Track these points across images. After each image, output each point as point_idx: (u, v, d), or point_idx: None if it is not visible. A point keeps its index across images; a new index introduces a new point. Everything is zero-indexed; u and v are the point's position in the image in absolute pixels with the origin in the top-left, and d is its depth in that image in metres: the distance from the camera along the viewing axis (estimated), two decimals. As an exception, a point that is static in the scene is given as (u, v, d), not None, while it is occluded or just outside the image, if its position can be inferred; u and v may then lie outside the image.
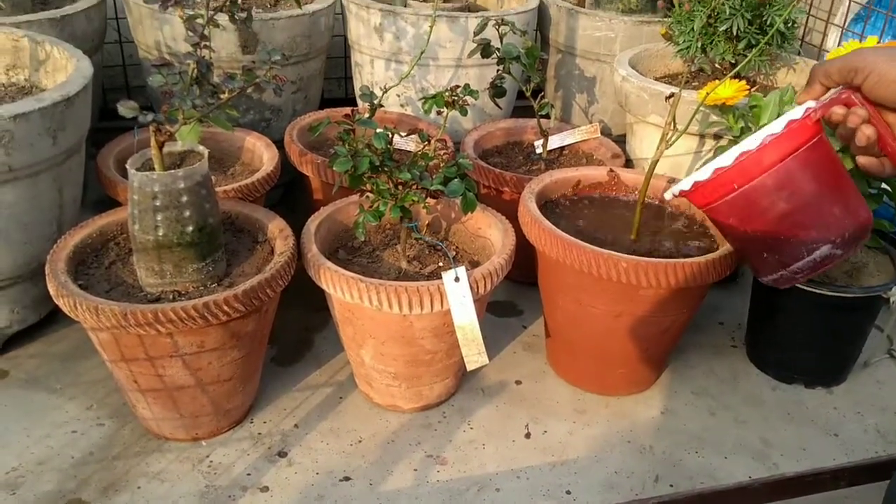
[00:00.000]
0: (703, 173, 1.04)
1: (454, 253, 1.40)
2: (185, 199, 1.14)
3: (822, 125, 0.98)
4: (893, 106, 0.86)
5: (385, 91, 1.52)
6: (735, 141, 1.40)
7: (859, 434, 1.41)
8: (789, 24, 1.65)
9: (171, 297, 1.19)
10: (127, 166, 1.14)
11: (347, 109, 1.37)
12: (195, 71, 1.10)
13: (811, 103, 0.96)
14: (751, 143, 1.00)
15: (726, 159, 1.02)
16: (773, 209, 1.03)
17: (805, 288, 1.38)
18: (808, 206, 1.02)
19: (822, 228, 1.03)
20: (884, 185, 1.37)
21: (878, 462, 1.28)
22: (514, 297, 1.71)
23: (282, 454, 1.28)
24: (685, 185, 1.08)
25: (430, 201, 1.33)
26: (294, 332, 1.56)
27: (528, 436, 1.36)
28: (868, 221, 1.05)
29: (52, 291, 1.16)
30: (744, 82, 1.41)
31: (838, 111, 0.90)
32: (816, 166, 1.02)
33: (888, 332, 1.62)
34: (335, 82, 2.41)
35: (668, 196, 1.14)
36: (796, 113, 0.98)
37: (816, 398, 1.49)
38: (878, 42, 1.31)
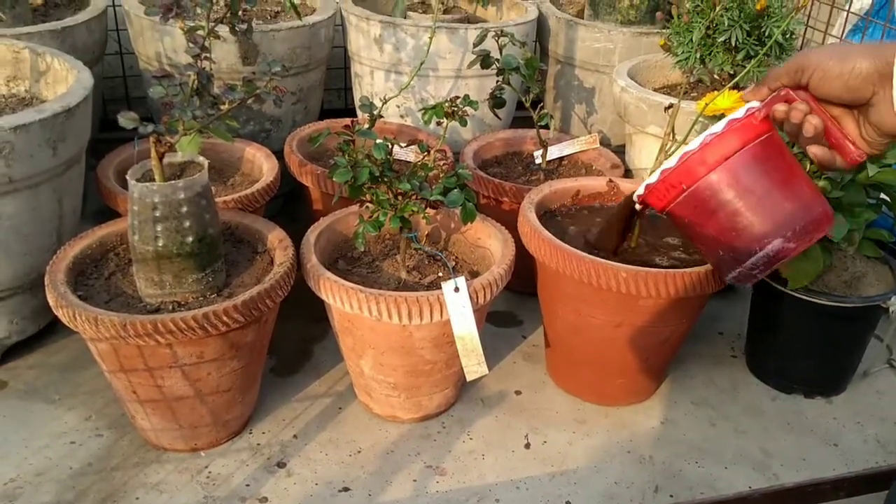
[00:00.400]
0: (653, 176, 1.06)
1: (454, 263, 1.41)
2: (184, 209, 1.15)
3: (773, 124, 0.99)
4: (839, 101, 0.88)
5: (385, 102, 1.53)
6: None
7: (859, 444, 1.40)
8: (787, 36, 1.65)
9: (170, 307, 1.19)
10: (127, 177, 1.15)
11: (347, 120, 1.37)
12: (195, 82, 1.10)
13: (755, 103, 0.98)
14: (693, 143, 1.02)
15: (672, 161, 1.04)
16: (722, 207, 1.04)
17: (804, 298, 1.38)
18: (757, 202, 1.03)
19: (772, 224, 1.03)
20: (882, 196, 1.38)
21: (878, 472, 1.28)
22: (513, 308, 1.71)
23: (281, 465, 1.28)
24: (640, 189, 1.10)
25: (430, 212, 1.33)
26: (293, 343, 1.55)
27: (527, 446, 1.35)
28: (823, 215, 1.05)
29: (51, 302, 1.16)
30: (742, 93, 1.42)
31: (780, 108, 0.92)
32: (763, 163, 1.02)
33: (888, 342, 1.62)
34: (335, 93, 2.42)
35: (635, 199, 1.17)
36: (738, 113, 0.99)
37: (816, 408, 1.49)
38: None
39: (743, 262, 1.06)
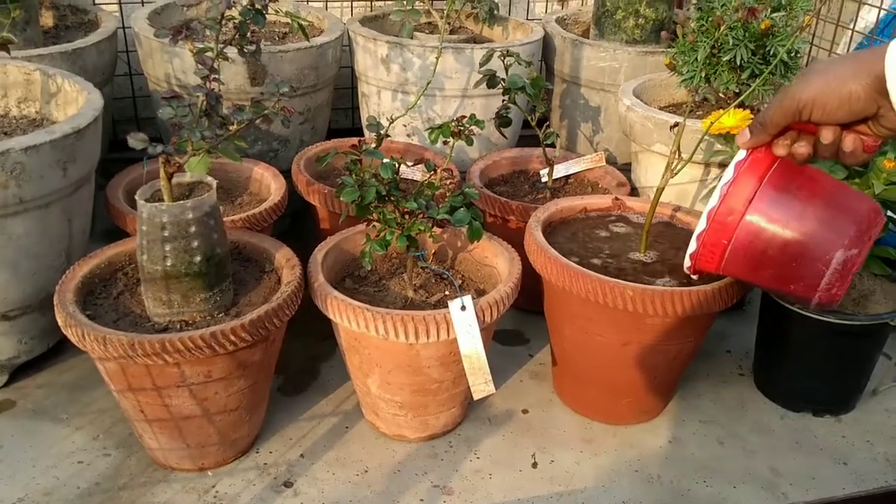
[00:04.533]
0: (691, 246, 1.06)
1: (460, 282, 1.41)
2: (193, 229, 1.15)
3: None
4: (848, 121, 0.89)
5: (392, 121, 1.54)
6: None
7: (869, 463, 1.40)
8: (792, 54, 1.66)
9: (178, 326, 1.19)
10: (136, 197, 1.16)
11: (354, 140, 1.38)
12: (204, 103, 1.12)
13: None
14: (713, 200, 1.01)
15: (701, 224, 1.03)
16: (770, 245, 1.04)
17: (812, 316, 1.37)
18: (799, 226, 1.02)
19: (824, 239, 1.03)
20: (889, 213, 1.38)
21: (889, 491, 1.27)
22: (520, 326, 1.71)
23: (287, 484, 1.28)
24: (686, 262, 1.10)
25: (437, 230, 1.34)
26: (300, 362, 1.56)
27: (534, 465, 1.35)
28: (870, 211, 1.05)
29: (60, 322, 1.16)
30: (748, 111, 1.42)
31: (801, 150, 0.93)
32: (786, 188, 1.03)
33: (897, 360, 1.62)
34: (342, 113, 2.43)
35: (686, 270, 1.19)
36: (740, 155, 1.00)
37: (825, 427, 1.48)
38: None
39: (816, 286, 1.05)
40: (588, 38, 2.15)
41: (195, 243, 1.16)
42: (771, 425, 1.48)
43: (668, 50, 1.84)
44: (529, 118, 1.68)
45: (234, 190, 1.65)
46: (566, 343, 1.43)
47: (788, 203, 1.02)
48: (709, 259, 1.09)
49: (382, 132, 1.46)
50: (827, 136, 0.90)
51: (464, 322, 1.21)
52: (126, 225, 1.45)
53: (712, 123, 1.35)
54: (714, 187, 1.50)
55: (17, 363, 1.43)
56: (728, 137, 1.46)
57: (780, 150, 0.96)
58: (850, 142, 0.89)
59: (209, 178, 1.22)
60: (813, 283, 1.05)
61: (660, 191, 1.34)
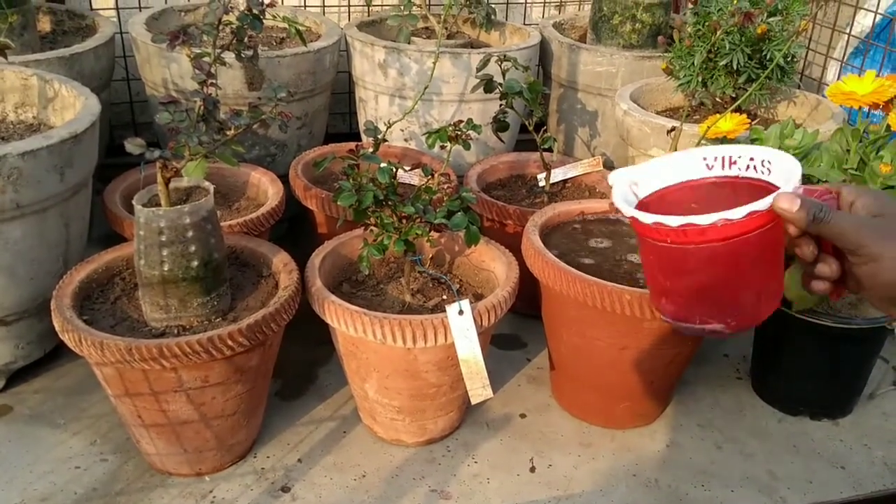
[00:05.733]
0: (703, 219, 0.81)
1: (458, 286, 1.41)
2: (190, 234, 1.15)
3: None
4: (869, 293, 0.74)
5: (389, 126, 1.54)
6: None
7: (866, 467, 1.40)
8: (789, 59, 1.67)
9: (175, 331, 1.19)
10: (133, 202, 1.16)
11: (352, 144, 1.38)
12: (202, 108, 1.12)
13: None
14: (736, 213, 0.79)
15: (707, 218, 0.81)
16: (692, 274, 0.85)
17: (809, 319, 1.38)
18: (722, 286, 0.86)
19: (720, 309, 0.87)
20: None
21: (887, 495, 1.27)
22: (518, 330, 1.71)
23: (285, 489, 1.28)
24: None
25: (434, 235, 1.34)
26: (298, 366, 1.56)
27: (532, 470, 1.35)
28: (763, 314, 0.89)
29: (57, 326, 1.16)
30: (744, 116, 1.43)
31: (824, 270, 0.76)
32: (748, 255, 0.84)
33: (894, 364, 1.62)
34: (340, 118, 2.43)
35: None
36: (761, 205, 0.79)
37: (822, 430, 1.48)
38: (877, 76, 1.32)
39: (681, 321, 0.88)
40: (585, 42, 2.16)
41: (192, 248, 1.16)
42: (768, 429, 1.48)
43: (665, 54, 1.85)
44: (527, 123, 1.68)
45: (231, 195, 1.65)
46: (564, 347, 1.43)
47: (735, 266, 0.84)
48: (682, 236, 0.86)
49: (380, 137, 1.46)
50: (808, 252, 0.75)
51: (461, 326, 1.21)
52: (123, 230, 1.45)
53: (709, 128, 1.35)
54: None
55: (13, 368, 1.43)
56: (725, 142, 1.46)
57: (805, 250, 0.76)
58: (821, 285, 0.76)
59: (206, 183, 1.22)
60: (681, 318, 0.89)
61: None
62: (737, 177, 0.85)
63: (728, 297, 0.84)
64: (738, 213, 0.77)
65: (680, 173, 0.87)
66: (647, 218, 0.79)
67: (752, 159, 0.84)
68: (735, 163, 0.85)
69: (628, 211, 0.80)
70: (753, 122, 1.67)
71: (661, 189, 0.87)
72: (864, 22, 2.16)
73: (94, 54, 1.76)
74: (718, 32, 1.57)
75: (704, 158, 0.86)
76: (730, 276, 0.83)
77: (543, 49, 2.15)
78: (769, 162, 0.83)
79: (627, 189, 0.85)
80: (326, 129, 2.05)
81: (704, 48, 1.62)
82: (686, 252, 0.80)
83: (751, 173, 0.85)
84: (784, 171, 0.81)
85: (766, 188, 0.82)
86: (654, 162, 0.87)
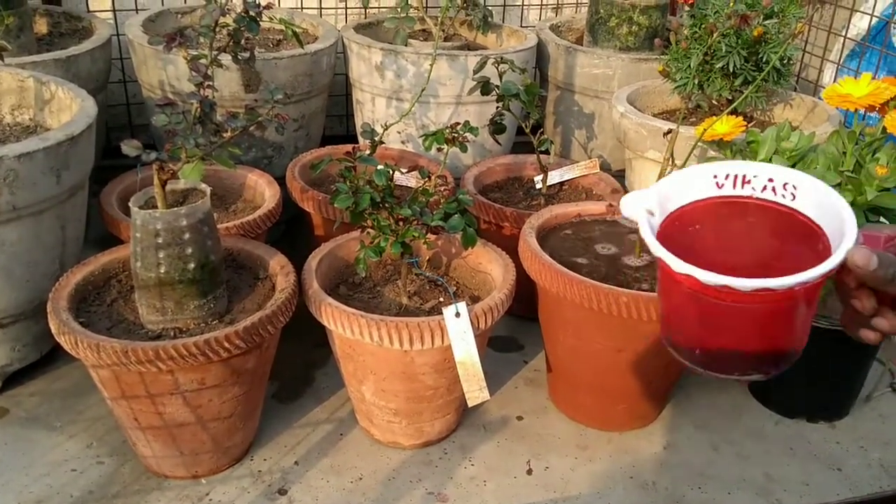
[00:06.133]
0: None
1: (455, 288, 1.41)
2: (187, 236, 1.15)
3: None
4: None
5: (386, 128, 1.54)
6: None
7: (863, 469, 1.40)
8: (785, 61, 1.67)
9: (172, 334, 1.19)
10: (130, 204, 1.15)
11: (349, 147, 1.38)
12: (198, 110, 1.12)
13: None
14: (812, 274, 0.70)
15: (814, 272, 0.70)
16: (735, 330, 0.78)
17: (805, 322, 1.37)
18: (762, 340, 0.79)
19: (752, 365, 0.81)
20: (882, 219, 1.38)
21: (883, 497, 1.28)
22: (515, 332, 1.71)
23: (282, 492, 1.27)
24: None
25: (431, 237, 1.34)
26: (295, 369, 1.55)
27: (529, 472, 1.35)
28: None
29: (53, 329, 1.16)
30: (741, 118, 1.43)
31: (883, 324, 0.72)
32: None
33: (890, 366, 1.62)
34: (336, 120, 2.43)
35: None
36: (829, 265, 0.69)
37: (819, 432, 1.48)
38: (873, 78, 1.32)
39: (717, 372, 0.80)
40: (582, 45, 2.16)
41: (189, 250, 1.16)
42: (765, 431, 1.48)
43: (662, 57, 1.85)
44: (523, 125, 1.68)
45: (228, 197, 1.65)
46: (561, 349, 1.43)
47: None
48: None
49: (377, 139, 1.46)
50: (869, 306, 0.70)
51: (458, 329, 1.21)
52: (120, 232, 1.45)
53: (705, 130, 1.35)
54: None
55: (9, 371, 1.43)
56: (721, 144, 1.47)
57: (866, 304, 0.71)
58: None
59: (203, 185, 1.22)
60: (713, 368, 0.80)
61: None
62: (750, 197, 0.76)
63: (776, 349, 0.78)
64: (812, 274, 0.67)
65: (689, 193, 0.78)
66: (712, 279, 0.67)
67: (770, 180, 0.75)
68: (749, 182, 0.76)
69: (683, 267, 0.68)
70: (750, 125, 1.67)
71: (672, 212, 0.77)
72: (860, 24, 2.17)
73: (90, 56, 1.75)
74: (715, 35, 1.57)
75: (715, 176, 0.77)
76: (783, 331, 0.76)
77: (540, 51, 2.15)
78: (794, 187, 0.74)
79: (649, 223, 0.74)
80: (323, 132, 2.05)
81: (701, 51, 1.63)
82: (742, 310, 0.71)
83: (767, 195, 0.76)
84: (818, 203, 0.72)
85: (787, 214, 0.75)
86: (664, 182, 0.77)
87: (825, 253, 0.71)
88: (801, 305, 0.71)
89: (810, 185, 0.73)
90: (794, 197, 0.74)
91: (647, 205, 0.74)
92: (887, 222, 1.37)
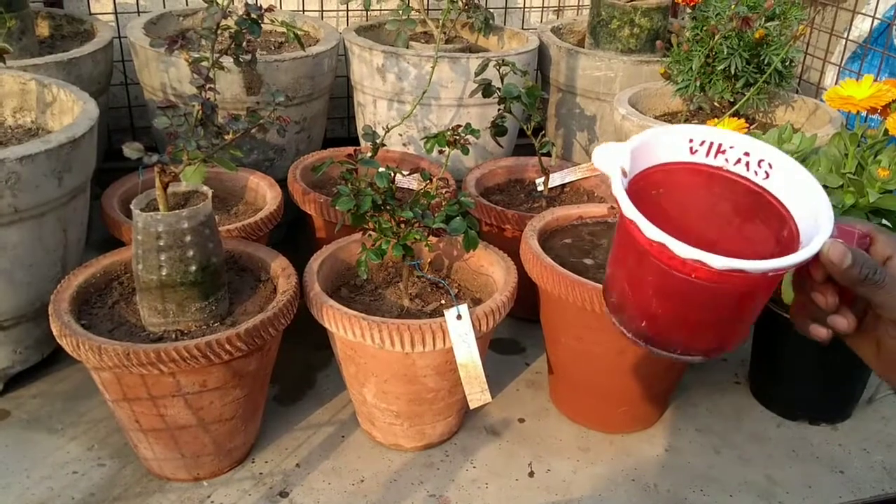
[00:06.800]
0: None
1: (456, 290, 1.41)
2: (188, 238, 1.15)
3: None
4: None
5: (387, 131, 1.54)
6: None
7: (865, 471, 1.40)
8: (787, 63, 1.67)
9: (173, 336, 1.19)
10: (131, 207, 1.16)
11: (350, 149, 1.38)
12: (200, 112, 1.12)
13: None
14: (787, 261, 0.67)
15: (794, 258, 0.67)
16: (697, 310, 0.73)
17: (807, 324, 1.37)
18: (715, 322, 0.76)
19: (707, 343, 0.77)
20: (884, 221, 1.38)
21: (886, 499, 1.27)
22: (516, 335, 1.71)
23: (283, 494, 1.27)
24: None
25: (433, 239, 1.34)
26: (296, 371, 1.55)
27: (531, 474, 1.35)
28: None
29: (55, 331, 1.16)
30: (742, 120, 1.43)
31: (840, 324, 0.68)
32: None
33: (892, 368, 1.61)
34: (338, 122, 2.43)
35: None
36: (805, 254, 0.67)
37: (821, 435, 1.48)
38: (875, 80, 1.32)
39: (658, 347, 0.77)
40: (583, 47, 2.16)
41: (190, 253, 1.16)
42: (767, 434, 1.48)
43: (663, 59, 1.85)
44: (525, 127, 1.68)
45: (229, 199, 1.65)
46: (562, 352, 1.43)
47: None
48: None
49: (378, 141, 1.46)
50: (832, 303, 0.66)
51: (460, 331, 1.21)
52: (121, 234, 1.45)
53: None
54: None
55: (11, 373, 1.43)
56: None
57: (829, 300, 0.67)
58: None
59: (205, 188, 1.22)
60: (659, 343, 0.77)
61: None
62: (720, 168, 0.72)
63: (725, 331, 0.73)
64: (788, 261, 0.63)
65: (660, 154, 0.73)
66: (686, 252, 0.63)
67: (746, 154, 0.71)
68: (724, 152, 0.72)
69: (655, 234, 0.63)
70: (752, 127, 1.67)
71: (639, 172, 0.72)
72: (861, 26, 2.17)
73: (92, 59, 1.76)
74: (716, 37, 1.58)
75: (691, 140, 0.73)
76: (736, 313, 0.71)
77: (542, 53, 2.15)
78: (770, 165, 0.71)
79: (622, 181, 0.68)
80: (325, 134, 2.05)
81: (702, 53, 1.63)
82: (704, 287, 0.66)
83: (740, 169, 0.72)
84: (794, 184, 0.69)
85: (755, 192, 0.72)
86: (638, 139, 0.71)
87: (789, 240, 0.69)
88: (763, 292, 0.68)
89: (788, 168, 0.69)
90: (768, 176, 0.71)
91: (621, 161, 0.69)
92: (889, 224, 1.37)
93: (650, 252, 0.65)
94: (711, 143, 0.72)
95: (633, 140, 0.71)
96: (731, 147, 0.71)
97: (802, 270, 0.66)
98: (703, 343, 0.73)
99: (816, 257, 0.64)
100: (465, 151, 1.42)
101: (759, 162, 0.71)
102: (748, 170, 0.71)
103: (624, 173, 0.68)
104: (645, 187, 0.71)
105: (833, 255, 0.62)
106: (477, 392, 1.27)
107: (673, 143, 0.72)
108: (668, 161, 0.73)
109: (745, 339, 0.76)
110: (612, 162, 0.68)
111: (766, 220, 0.71)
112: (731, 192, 0.72)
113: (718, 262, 0.61)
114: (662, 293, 0.69)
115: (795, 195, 0.68)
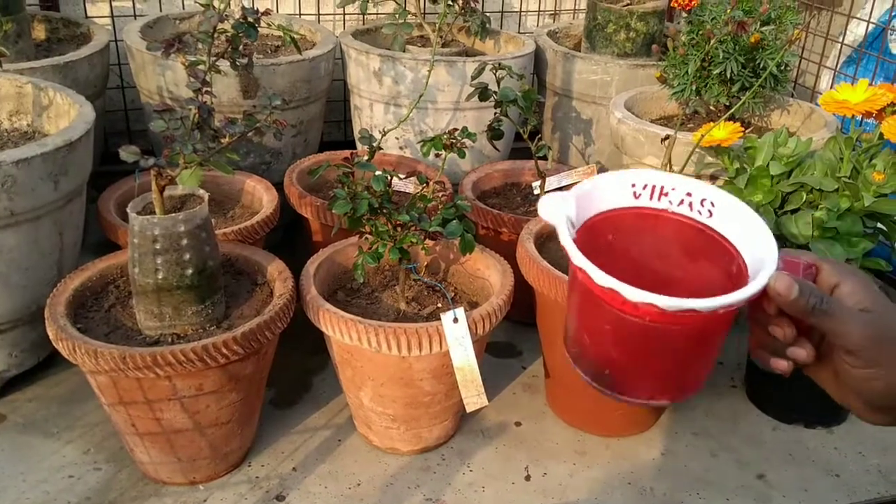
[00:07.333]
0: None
1: (453, 294, 1.41)
2: (185, 242, 1.15)
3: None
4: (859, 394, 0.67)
5: (384, 134, 1.54)
6: (730, 182, 1.42)
7: (861, 474, 1.40)
8: (782, 67, 1.67)
9: (170, 339, 1.19)
10: (128, 210, 1.15)
11: (347, 152, 1.38)
12: (196, 116, 1.12)
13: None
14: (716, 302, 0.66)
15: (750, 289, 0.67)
16: (658, 354, 0.73)
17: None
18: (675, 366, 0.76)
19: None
20: (879, 225, 1.38)
21: (881, 502, 1.27)
22: (513, 338, 1.71)
23: (280, 498, 1.27)
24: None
25: (429, 243, 1.34)
26: (292, 375, 1.55)
27: (528, 478, 1.35)
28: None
29: (51, 335, 1.16)
30: (738, 124, 1.43)
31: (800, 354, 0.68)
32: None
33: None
34: (335, 125, 2.44)
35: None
36: (745, 293, 0.66)
37: (817, 438, 1.48)
38: (870, 84, 1.33)
39: (627, 396, 0.75)
40: (579, 51, 2.16)
41: (187, 256, 1.16)
42: (763, 437, 1.48)
43: (659, 63, 1.85)
44: (521, 131, 1.69)
45: (226, 202, 1.65)
46: (559, 355, 1.43)
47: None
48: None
49: (375, 145, 1.47)
50: (790, 335, 0.66)
51: (456, 334, 1.21)
52: (118, 238, 1.44)
53: (703, 136, 1.35)
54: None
55: (7, 377, 1.42)
56: (719, 150, 1.47)
57: (787, 331, 0.67)
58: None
59: (201, 191, 1.22)
60: (616, 388, 0.76)
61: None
62: (665, 210, 0.73)
63: (687, 373, 0.73)
64: (737, 297, 0.63)
65: (606, 200, 0.73)
66: (637, 296, 0.63)
67: (688, 194, 0.72)
68: (666, 194, 0.73)
69: (606, 281, 0.63)
70: (747, 131, 1.67)
71: (587, 220, 0.72)
72: (856, 31, 2.17)
73: (88, 62, 1.76)
74: (712, 41, 1.58)
75: (633, 185, 0.73)
76: (695, 353, 0.71)
77: (538, 57, 2.15)
78: (712, 203, 0.71)
79: (568, 230, 0.68)
80: (321, 137, 2.05)
81: (698, 57, 1.63)
82: (659, 330, 0.66)
83: (684, 210, 0.72)
84: (736, 223, 0.70)
85: (701, 231, 0.72)
86: (582, 188, 0.72)
87: (739, 275, 0.69)
88: (719, 329, 0.69)
89: (729, 205, 0.70)
90: (711, 214, 0.71)
91: (566, 210, 0.69)
92: (884, 227, 1.37)
93: (603, 299, 0.65)
94: (654, 187, 0.73)
95: (577, 189, 0.71)
96: (672, 189, 0.72)
97: (757, 305, 0.67)
98: (669, 387, 0.73)
99: (766, 291, 0.64)
100: (462, 155, 1.42)
101: (702, 201, 0.71)
102: (692, 209, 0.72)
103: (571, 223, 0.69)
104: (597, 235, 0.72)
105: (780, 287, 0.63)
106: (473, 395, 1.27)
107: (616, 189, 0.73)
108: (614, 207, 0.73)
109: (710, 376, 0.75)
110: (558, 211, 0.69)
111: (714, 257, 0.72)
112: (679, 232, 0.73)
113: (667, 302, 0.62)
114: (619, 339, 0.69)
115: (739, 231, 0.69)
